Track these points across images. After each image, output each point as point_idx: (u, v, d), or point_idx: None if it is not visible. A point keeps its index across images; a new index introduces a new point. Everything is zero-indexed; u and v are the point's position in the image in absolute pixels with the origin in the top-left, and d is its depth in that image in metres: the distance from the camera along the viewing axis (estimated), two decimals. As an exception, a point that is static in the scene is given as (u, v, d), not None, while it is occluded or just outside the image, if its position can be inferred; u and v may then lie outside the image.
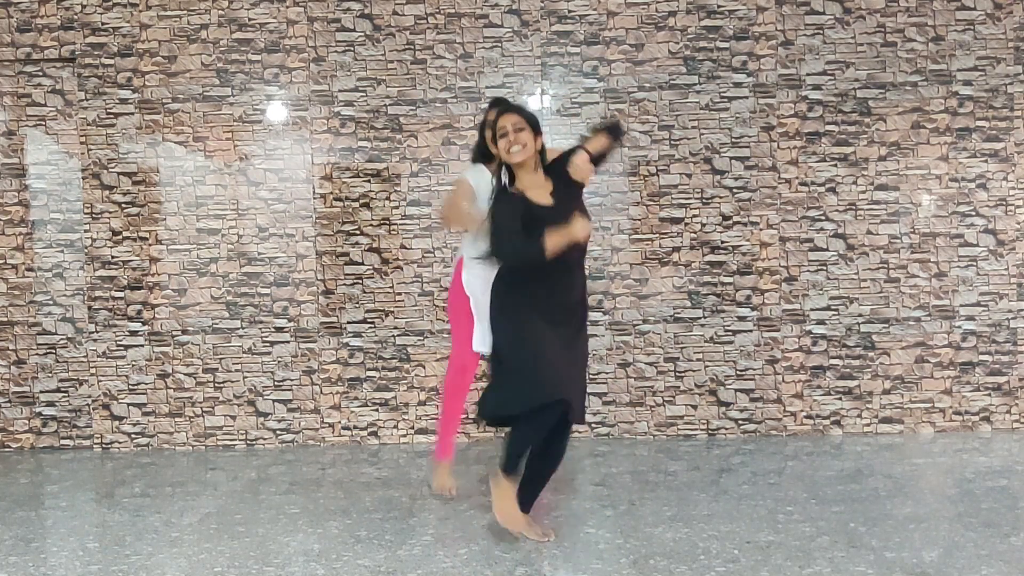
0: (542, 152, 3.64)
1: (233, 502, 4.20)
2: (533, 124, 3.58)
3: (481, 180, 4.02)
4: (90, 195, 5.27)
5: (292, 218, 5.27)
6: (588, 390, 5.19)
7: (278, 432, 5.31)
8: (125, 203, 5.28)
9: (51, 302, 5.38)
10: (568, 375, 3.52)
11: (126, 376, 5.29)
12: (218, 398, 5.29)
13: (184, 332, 5.28)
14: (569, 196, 3.58)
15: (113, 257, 5.28)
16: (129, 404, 5.30)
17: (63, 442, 5.37)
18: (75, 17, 5.25)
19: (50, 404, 5.37)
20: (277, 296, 5.29)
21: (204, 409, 5.30)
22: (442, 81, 5.23)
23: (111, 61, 5.24)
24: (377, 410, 5.29)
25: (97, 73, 5.25)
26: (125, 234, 5.28)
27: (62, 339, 5.37)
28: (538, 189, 3.58)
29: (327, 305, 5.28)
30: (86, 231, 5.29)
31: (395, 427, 5.29)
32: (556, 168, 3.60)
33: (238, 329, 5.28)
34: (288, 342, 5.28)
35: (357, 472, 4.71)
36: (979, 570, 3.16)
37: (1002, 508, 3.84)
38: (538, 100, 5.23)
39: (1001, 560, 3.25)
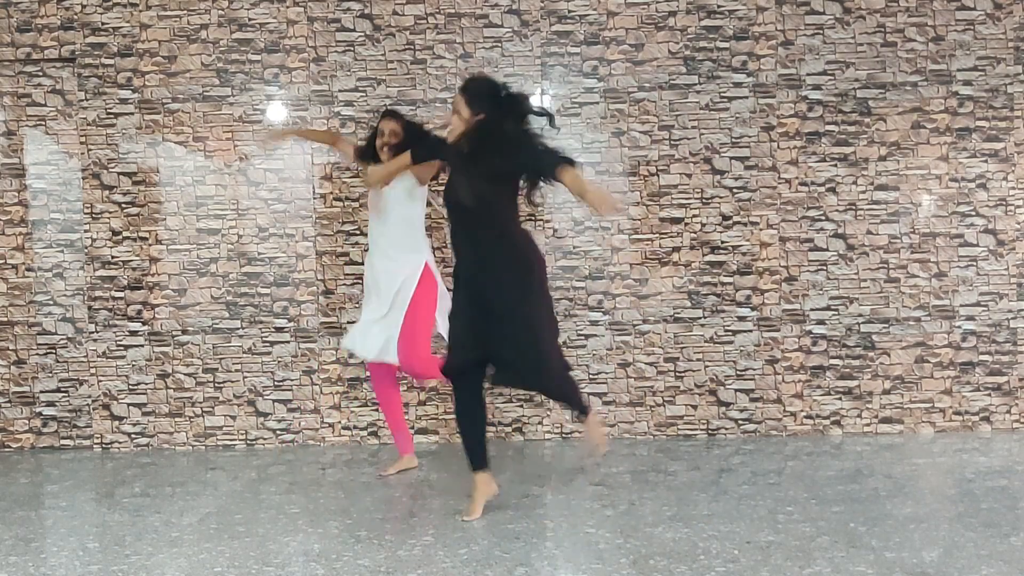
0: None
1: (233, 502, 4.21)
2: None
3: None
4: (90, 195, 5.28)
5: (292, 218, 5.28)
6: (584, 388, 5.24)
7: (278, 432, 5.31)
8: (125, 203, 5.28)
9: (51, 302, 5.39)
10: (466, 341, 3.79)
11: (126, 376, 5.29)
12: (218, 398, 5.29)
13: (184, 332, 5.28)
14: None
15: (113, 257, 5.29)
16: (129, 404, 5.30)
17: (63, 442, 5.38)
18: (75, 17, 5.25)
19: (50, 404, 5.38)
20: (277, 296, 5.29)
21: (204, 409, 5.30)
22: (442, 81, 5.23)
23: (111, 61, 5.25)
24: (377, 410, 5.28)
25: (97, 73, 5.26)
26: (125, 234, 5.28)
27: (62, 339, 5.38)
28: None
29: (327, 305, 5.28)
30: (86, 231, 5.29)
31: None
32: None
33: (238, 329, 5.29)
34: (288, 342, 5.28)
35: (357, 472, 4.72)
36: (979, 570, 3.17)
37: (1002, 508, 3.85)
38: (538, 99, 5.23)
39: (1001, 560, 3.25)
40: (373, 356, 4.47)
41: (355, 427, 5.31)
